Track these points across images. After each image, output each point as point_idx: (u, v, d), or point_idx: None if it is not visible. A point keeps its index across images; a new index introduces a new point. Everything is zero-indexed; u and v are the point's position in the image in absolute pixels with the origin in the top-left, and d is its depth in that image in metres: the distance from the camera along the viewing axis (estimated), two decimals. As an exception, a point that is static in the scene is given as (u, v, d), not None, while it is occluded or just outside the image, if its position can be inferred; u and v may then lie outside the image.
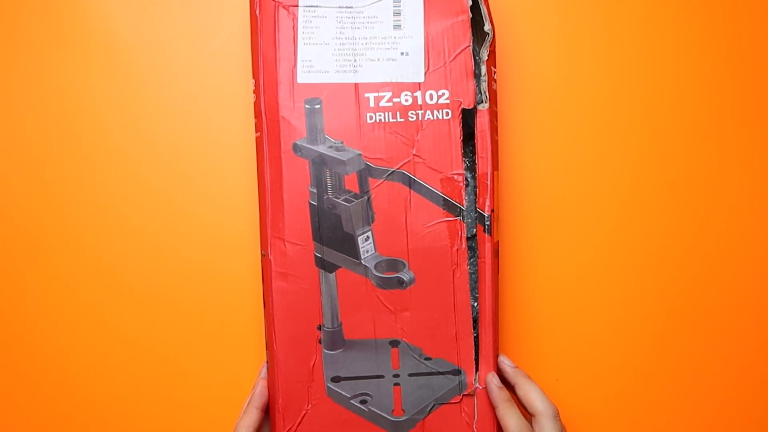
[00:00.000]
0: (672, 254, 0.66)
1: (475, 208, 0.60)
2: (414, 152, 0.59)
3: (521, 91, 0.67)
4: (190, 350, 0.64)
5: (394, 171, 0.58)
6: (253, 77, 0.59)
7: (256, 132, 0.59)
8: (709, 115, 0.66)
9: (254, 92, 0.59)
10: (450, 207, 0.59)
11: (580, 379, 0.65)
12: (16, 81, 0.65)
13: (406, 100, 0.59)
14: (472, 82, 0.59)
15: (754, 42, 0.66)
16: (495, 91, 0.62)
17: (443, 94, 0.59)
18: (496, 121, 0.62)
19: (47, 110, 0.65)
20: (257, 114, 0.59)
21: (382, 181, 0.58)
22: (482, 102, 0.60)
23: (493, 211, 0.60)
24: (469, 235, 0.62)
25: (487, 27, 0.60)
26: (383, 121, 0.58)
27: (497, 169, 0.62)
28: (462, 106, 0.59)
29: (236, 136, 0.65)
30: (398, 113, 0.59)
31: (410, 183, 0.58)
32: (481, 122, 0.60)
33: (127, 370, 0.64)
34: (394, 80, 0.59)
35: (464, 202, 0.59)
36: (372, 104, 0.58)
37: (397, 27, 0.60)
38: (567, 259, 0.66)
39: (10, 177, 0.65)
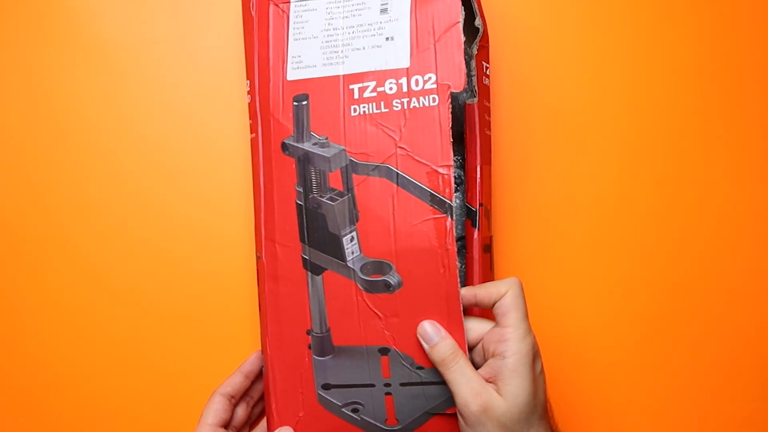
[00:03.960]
0: (665, 247, 0.65)
1: (465, 203, 0.55)
2: (399, 144, 0.54)
3: (519, 87, 0.66)
4: (187, 353, 0.65)
5: (378, 166, 0.54)
6: (248, 78, 0.59)
7: (251, 133, 0.59)
8: (699, 102, 0.65)
9: (248, 93, 0.59)
10: (438, 203, 0.53)
11: (575, 377, 0.64)
12: (7, 82, 0.67)
13: (391, 89, 0.55)
14: (461, 61, 0.53)
15: (748, 43, 0.66)
16: (487, 87, 0.58)
17: (429, 78, 0.54)
18: (488, 116, 0.59)
19: (39, 111, 0.67)
20: (252, 115, 0.58)
21: (366, 177, 0.55)
22: (471, 97, 0.57)
23: (481, 205, 0.55)
24: (462, 234, 0.56)
25: (477, 22, 0.57)
26: (367, 112, 0.55)
27: (488, 164, 0.58)
28: (450, 90, 0.53)
29: (236, 138, 0.65)
30: (382, 103, 0.55)
31: (396, 178, 0.54)
32: (470, 116, 0.57)
33: (126, 372, 0.65)
34: (378, 68, 0.55)
35: (453, 197, 0.53)
36: (356, 96, 0.55)
37: (383, 11, 0.56)
38: (564, 254, 0.65)
39: (4, 182, 0.67)
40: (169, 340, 0.65)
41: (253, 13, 0.59)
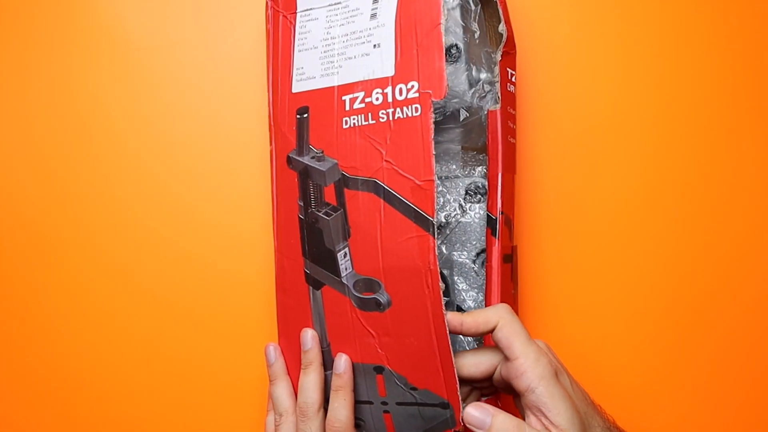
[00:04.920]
0: (692, 258, 0.62)
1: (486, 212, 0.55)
2: (385, 158, 0.52)
3: (546, 95, 0.63)
4: (203, 353, 0.65)
5: (366, 180, 0.53)
6: (267, 90, 0.59)
7: (270, 145, 0.59)
8: (730, 119, 0.62)
9: (267, 104, 0.60)
10: (421, 221, 0.51)
11: (600, 387, 0.58)
12: (33, 82, 0.67)
13: (377, 99, 0.52)
14: (441, 67, 0.50)
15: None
16: (512, 94, 0.55)
17: (412, 86, 0.51)
18: (513, 123, 0.56)
19: (63, 111, 0.67)
20: (270, 127, 0.59)
21: (356, 191, 0.54)
22: (494, 103, 0.54)
23: (502, 213, 0.53)
24: (484, 245, 0.57)
25: (501, 27, 0.54)
26: (357, 124, 0.53)
27: (511, 172, 0.55)
28: (432, 98, 0.50)
29: (257, 142, 0.64)
30: (370, 115, 0.53)
31: (382, 193, 0.52)
32: (492, 123, 0.54)
33: (144, 371, 0.66)
34: (366, 77, 0.53)
35: (435, 214, 0.50)
36: (347, 107, 0.54)
37: (373, 16, 0.54)
38: (591, 265, 0.62)
39: (27, 183, 0.67)
40: (187, 340, 0.66)
41: (269, 27, 0.59)
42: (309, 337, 0.55)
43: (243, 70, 0.66)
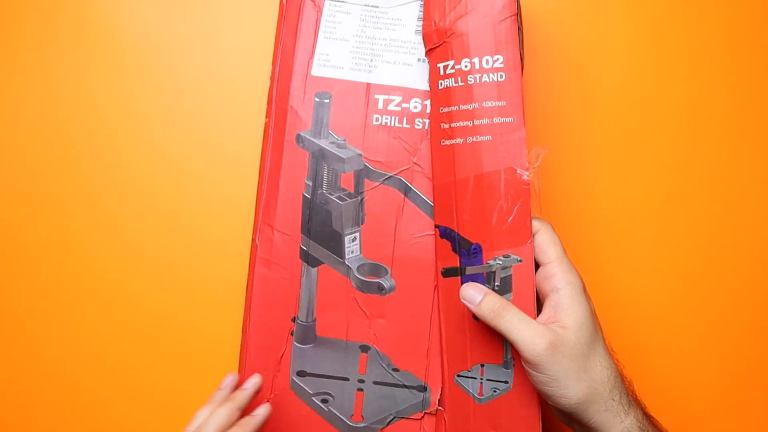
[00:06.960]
0: (680, 299, 0.65)
1: None
2: (414, 160, 0.58)
3: (541, 116, 0.67)
4: (181, 347, 0.65)
5: (391, 176, 0.58)
6: (272, 64, 0.59)
7: (266, 118, 0.59)
8: (744, 148, 0.66)
9: (270, 78, 0.59)
10: (442, 221, 0.57)
11: None
12: (26, 81, 0.66)
13: (415, 107, 0.58)
14: None
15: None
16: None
17: None
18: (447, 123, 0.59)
19: (57, 105, 0.66)
20: (269, 100, 0.59)
21: (378, 184, 0.58)
22: None
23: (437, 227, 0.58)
24: None
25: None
26: (389, 124, 0.58)
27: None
28: None
29: (252, 123, 0.65)
30: (405, 119, 0.58)
31: (406, 190, 0.57)
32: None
33: (120, 367, 0.64)
34: (407, 85, 0.58)
35: (457, 218, 0.57)
36: (381, 106, 0.58)
37: (419, 32, 0.59)
38: None
39: (15, 172, 0.66)
40: (171, 335, 0.65)
41: (284, 2, 0.60)
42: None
43: (252, 53, 0.66)
